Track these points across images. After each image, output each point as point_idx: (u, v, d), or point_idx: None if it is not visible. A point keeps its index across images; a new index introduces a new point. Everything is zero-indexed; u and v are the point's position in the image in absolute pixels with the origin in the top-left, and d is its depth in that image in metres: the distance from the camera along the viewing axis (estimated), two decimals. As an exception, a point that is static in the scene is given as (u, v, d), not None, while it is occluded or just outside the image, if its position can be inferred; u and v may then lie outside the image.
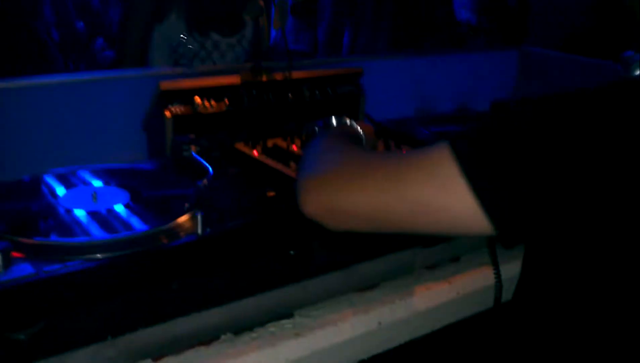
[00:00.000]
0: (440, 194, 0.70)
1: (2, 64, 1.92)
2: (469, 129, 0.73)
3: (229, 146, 1.31)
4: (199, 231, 0.90)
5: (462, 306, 1.19)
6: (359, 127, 1.04)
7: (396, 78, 1.89)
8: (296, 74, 1.48)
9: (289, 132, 1.46)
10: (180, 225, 0.91)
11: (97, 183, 1.05)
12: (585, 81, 1.99)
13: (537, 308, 0.87)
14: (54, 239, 0.84)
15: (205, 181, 0.99)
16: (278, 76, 1.46)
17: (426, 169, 0.72)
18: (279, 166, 1.19)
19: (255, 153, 1.26)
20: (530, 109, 0.73)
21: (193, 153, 1.13)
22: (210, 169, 1.04)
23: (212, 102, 1.37)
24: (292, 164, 1.20)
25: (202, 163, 1.09)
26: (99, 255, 0.82)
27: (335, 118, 1.06)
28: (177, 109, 1.32)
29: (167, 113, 1.31)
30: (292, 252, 1.01)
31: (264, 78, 1.43)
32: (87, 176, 1.08)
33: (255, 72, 1.42)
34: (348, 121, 1.05)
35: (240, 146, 1.30)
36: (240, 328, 0.97)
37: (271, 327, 1.00)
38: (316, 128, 1.07)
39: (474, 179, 0.68)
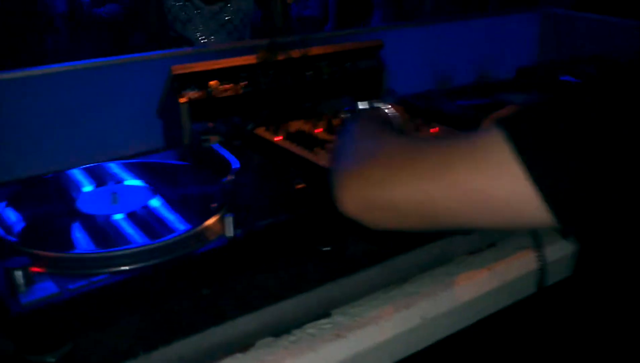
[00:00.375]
0: (495, 183, 0.63)
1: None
2: (523, 110, 0.66)
3: (249, 133, 1.23)
4: (230, 233, 0.84)
5: (504, 294, 1.13)
6: (388, 109, 0.97)
7: (414, 48, 1.81)
8: (314, 50, 1.40)
9: (311, 113, 1.39)
10: (208, 228, 0.85)
11: (118, 178, 0.98)
12: (614, 44, 1.92)
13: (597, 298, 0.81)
14: (78, 251, 0.78)
15: (230, 177, 0.92)
16: (295, 54, 1.38)
17: (478, 156, 0.65)
18: (304, 153, 1.12)
19: (277, 139, 1.19)
20: (596, 86, 0.65)
21: (214, 145, 1.06)
22: (234, 162, 0.97)
23: (228, 85, 1.30)
24: (318, 150, 1.13)
25: (224, 156, 1.02)
26: (124, 267, 0.76)
27: (362, 102, 0.98)
28: (192, 94, 1.25)
29: (182, 99, 1.23)
30: (325, 249, 0.94)
31: (281, 57, 1.35)
32: (103, 172, 1.01)
33: (271, 51, 1.34)
34: (377, 104, 0.97)
35: (262, 132, 1.23)
36: (278, 331, 0.91)
37: (310, 329, 0.94)
38: (343, 116, 0.99)
39: (533, 167, 0.61)
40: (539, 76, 1.71)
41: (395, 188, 0.69)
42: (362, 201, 0.73)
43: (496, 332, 1.14)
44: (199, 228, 0.83)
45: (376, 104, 0.96)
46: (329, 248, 0.95)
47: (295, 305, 0.92)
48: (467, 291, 1.07)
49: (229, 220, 0.83)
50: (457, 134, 0.71)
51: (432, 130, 1.27)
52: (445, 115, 1.41)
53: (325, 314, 0.96)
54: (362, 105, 0.97)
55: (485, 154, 0.64)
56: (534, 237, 1.14)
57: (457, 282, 1.08)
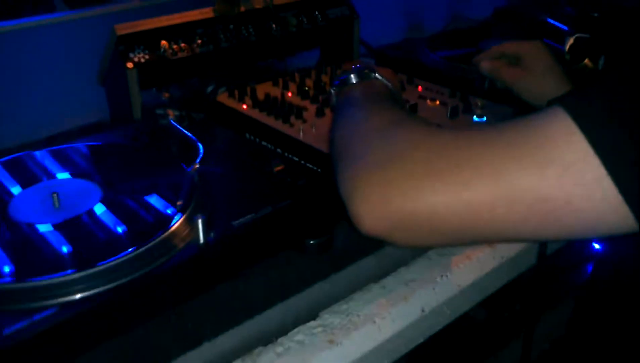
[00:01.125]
0: (565, 185, 0.49)
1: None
2: (592, 87, 0.52)
3: (211, 99, 1.07)
4: (201, 239, 0.69)
5: (508, 269, 1.02)
6: (384, 78, 0.81)
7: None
8: (277, 0, 1.22)
9: (277, 72, 1.23)
10: (174, 234, 0.70)
11: (56, 175, 0.81)
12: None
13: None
14: (8, 281, 0.62)
15: (195, 165, 0.76)
16: (257, 4, 1.20)
17: (540, 151, 0.50)
18: (279, 126, 0.97)
19: (244, 107, 1.04)
20: None
21: (172, 121, 0.89)
22: (199, 146, 0.81)
23: (182, 44, 1.12)
24: (294, 120, 0.98)
25: (186, 135, 0.86)
26: (77, 296, 0.61)
27: (352, 72, 0.82)
28: (140, 57, 1.07)
29: (129, 64, 1.05)
30: (312, 242, 0.81)
31: (242, 8, 1.17)
32: (40, 162, 0.84)
33: (230, 2, 1.16)
34: (370, 73, 0.81)
35: (225, 100, 1.07)
36: (262, 343, 0.78)
37: (298, 335, 0.81)
38: (332, 90, 0.83)
39: (613, 162, 0.48)
40: (517, 17, 1.57)
41: (439, 195, 0.54)
42: (391, 216, 0.57)
43: (502, 307, 1.04)
44: (163, 235, 0.68)
45: (370, 74, 0.80)
46: (316, 241, 0.81)
47: (283, 312, 0.79)
48: (468, 273, 0.96)
49: (200, 223, 0.69)
50: (495, 124, 0.56)
51: (419, 88, 1.12)
52: (429, 69, 1.27)
53: (314, 315, 0.83)
54: (352, 78, 0.81)
55: (552, 150, 0.50)
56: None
57: (458, 264, 0.96)
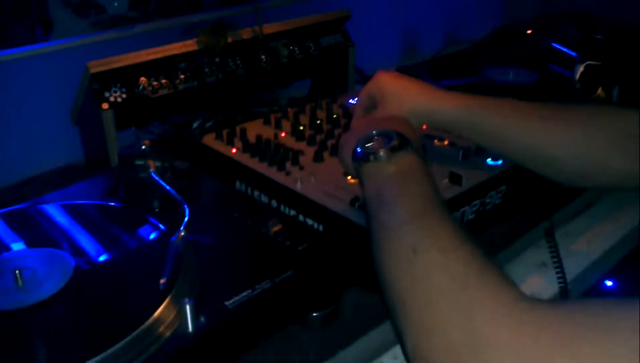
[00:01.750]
0: None
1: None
2: None
3: (196, 142, 0.97)
4: (190, 327, 0.59)
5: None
6: (415, 149, 0.69)
7: (379, 12, 1.55)
8: (268, 28, 1.13)
9: (270, 108, 1.12)
10: (158, 321, 0.59)
11: (15, 245, 0.70)
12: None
13: None
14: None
15: (180, 234, 0.66)
16: (245, 34, 1.10)
17: None
18: (273, 173, 0.87)
19: (234, 151, 0.93)
20: None
21: (153, 174, 0.79)
22: (185, 207, 0.71)
23: (164, 80, 1.01)
24: (289, 166, 0.88)
25: (169, 193, 0.75)
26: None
27: (377, 146, 0.69)
28: (117, 96, 0.97)
29: (104, 105, 0.95)
30: (316, 314, 0.70)
31: (229, 39, 1.07)
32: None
33: (215, 32, 1.06)
34: (397, 145, 0.67)
35: (212, 142, 0.96)
36: None
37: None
38: (355, 165, 0.70)
39: None
40: (518, 39, 1.49)
41: None
42: None
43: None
44: (145, 324, 0.58)
45: (401, 148, 0.67)
46: (321, 313, 0.71)
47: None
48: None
49: (188, 308, 0.58)
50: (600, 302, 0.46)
51: (424, 126, 1.03)
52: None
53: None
54: (383, 155, 0.67)
55: None
56: (555, 252, 0.95)
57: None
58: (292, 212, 0.83)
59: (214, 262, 0.68)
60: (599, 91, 1.19)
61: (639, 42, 1.40)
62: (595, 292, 1.15)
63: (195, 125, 1.08)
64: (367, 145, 0.69)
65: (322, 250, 0.72)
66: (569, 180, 0.84)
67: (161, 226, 0.72)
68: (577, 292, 1.04)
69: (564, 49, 1.31)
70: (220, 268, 0.67)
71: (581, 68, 1.21)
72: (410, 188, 0.63)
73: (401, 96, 0.84)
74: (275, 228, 0.74)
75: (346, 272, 0.75)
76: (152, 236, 0.71)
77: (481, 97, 0.84)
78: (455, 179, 0.86)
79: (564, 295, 0.96)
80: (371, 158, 0.67)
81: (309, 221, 0.81)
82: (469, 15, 1.79)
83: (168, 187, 0.75)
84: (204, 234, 0.71)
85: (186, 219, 0.68)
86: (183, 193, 0.78)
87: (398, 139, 0.67)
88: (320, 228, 0.80)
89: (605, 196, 1.14)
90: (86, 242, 0.71)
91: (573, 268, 1.01)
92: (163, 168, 0.81)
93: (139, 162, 0.81)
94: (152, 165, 0.80)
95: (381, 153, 0.66)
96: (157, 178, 0.78)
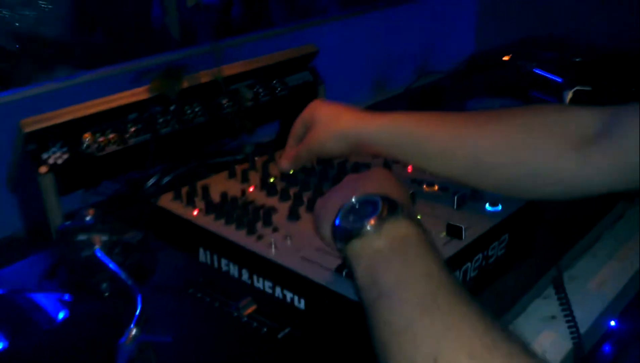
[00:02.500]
0: None
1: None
2: None
3: (151, 206, 0.84)
4: None
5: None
6: (410, 216, 0.58)
7: (348, 45, 1.45)
8: (229, 70, 1.01)
9: (234, 158, 1.01)
10: None
11: None
12: (555, 19, 1.65)
13: None
14: None
15: (132, 333, 0.53)
16: (204, 77, 0.98)
17: None
18: (242, 239, 0.74)
19: (195, 213, 0.81)
20: None
21: (98, 252, 0.66)
22: (138, 295, 0.58)
23: (111, 136, 0.89)
24: (260, 228, 0.76)
25: (118, 276, 0.62)
26: None
27: (362, 214, 0.57)
28: (57, 157, 0.84)
29: (42, 168, 0.82)
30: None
31: (184, 84, 0.95)
32: None
33: (170, 77, 0.94)
34: (386, 214, 0.56)
35: (169, 204, 0.83)
36: None
37: None
38: (338, 246, 0.59)
39: None
40: (493, 66, 1.40)
41: None
42: None
43: None
44: None
45: (391, 214, 0.56)
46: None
47: None
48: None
49: None
50: None
51: (409, 168, 0.92)
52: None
53: None
54: (369, 227, 0.56)
55: None
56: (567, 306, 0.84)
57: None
58: (268, 285, 0.71)
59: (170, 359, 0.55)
60: (592, 118, 1.09)
61: (622, 63, 1.32)
62: (605, 336, 1.06)
63: (149, 183, 0.95)
64: (348, 217, 0.57)
65: (306, 332, 0.60)
66: (511, 190, 0.75)
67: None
68: (591, 341, 0.94)
69: (548, 75, 1.23)
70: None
71: (570, 94, 1.12)
72: (410, 268, 0.51)
73: (330, 119, 0.82)
74: (249, 310, 0.62)
75: (337, 355, 0.62)
76: (60, 315, 0.58)
77: (410, 112, 0.78)
78: (454, 232, 0.74)
79: (578, 348, 0.85)
80: (355, 233, 0.55)
81: (288, 296, 0.68)
82: (439, 45, 1.71)
83: (116, 268, 0.62)
84: (162, 327, 0.58)
85: (137, 312, 0.55)
86: (135, 271, 0.65)
87: (385, 205, 0.56)
88: (302, 303, 0.67)
89: (607, 232, 1.05)
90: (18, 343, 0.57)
91: (585, 317, 0.91)
92: (111, 243, 0.68)
93: (81, 237, 0.68)
94: (98, 241, 0.67)
95: (367, 227, 0.54)
96: (103, 256, 0.65)
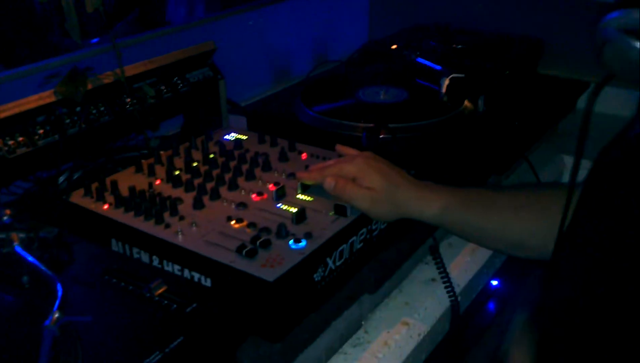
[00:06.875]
0: None
1: None
2: None
3: (63, 202, 0.90)
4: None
5: (427, 344, 0.94)
6: None
7: (245, 39, 1.53)
8: (130, 70, 1.07)
9: (140, 153, 1.08)
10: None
11: None
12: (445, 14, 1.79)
13: None
14: None
15: (55, 316, 0.60)
16: (107, 78, 1.04)
17: None
18: (150, 228, 0.82)
19: (105, 207, 0.87)
20: None
21: (18, 249, 0.72)
22: (58, 285, 0.64)
23: (20, 138, 0.94)
24: (168, 217, 0.84)
25: (38, 268, 0.69)
26: None
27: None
28: (-32, 161, 0.88)
29: (-46, 173, 0.86)
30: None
31: (89, 86, 1.01)
32: None
33: (74, 80, 0.99)
34: None
35: (80, 200, 0.90)
36: None
37: None
38: None
39: None
40: (384, 56, 1.52)
41: None
42: None
43: None
44: None
45: None
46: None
47: None
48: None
49: (70, 402, 0.53)
50: None
51: (303, 156, 1.02)
52: (308, 127, 1.17)
53: None
54: None
55: None
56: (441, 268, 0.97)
57: (375, 354, 0.86)
58: (177, 268, 0.79)
59: (96, 341, 0.62)
60: (466, 103, 1.23)
61: (498, 48, 1.47)
62: (484, 294, 1.19)
63: (61, 179, 1.01)
64: None
65: (211, 307, 0.69)
66: (531, 256, 0.91)
67: None
68: (468, 300, 1.08)
69: (429, 63, 1.35)
70: (105, 346, 0.62)
71: (447, 81, 1.25)
72: None
73: (387, 191, 0.85)
74: (160, 290, 0.70)
75: (240, 326, 0.72)
76: None
77: (460, 193, 0.89)
78: (340, 210, 0.85)
79: (455, 308, 0.98)
80: None
81: (196, 276, 0.77)
82: (335, 35, 1.81)
83: (36, 261, 0.69)
84: (82, 310, 0.65)
85: (59, 297, 0.63)
86: (53, 264, 0.72)
87: None
88: (209, 282, 0.76)
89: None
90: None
91: (462, 278, 1.04)
92: (29, 239, 0.74)
93: (0, 236, 0.73)
94: (16, 238, 0.73)
95: None
96: (22, 252, 0.71)
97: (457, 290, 0.99)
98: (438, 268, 0.97)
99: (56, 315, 0.61)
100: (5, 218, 0.75)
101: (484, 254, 1.09)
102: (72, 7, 1.01)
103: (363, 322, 0.89)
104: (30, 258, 0.70)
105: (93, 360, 0.60)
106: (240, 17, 1.50)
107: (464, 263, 1.06)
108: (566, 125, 1.44)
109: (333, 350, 0.84)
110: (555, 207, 0.80)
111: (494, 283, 1.25)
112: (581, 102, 1.46)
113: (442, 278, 0.97)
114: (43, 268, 0.68)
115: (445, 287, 0.97)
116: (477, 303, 1.16)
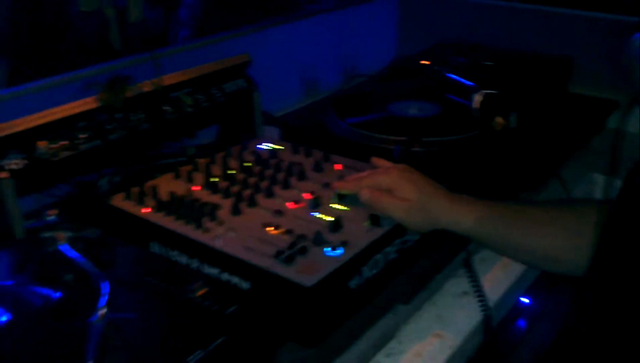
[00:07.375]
0: None
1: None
2: None
3: (104, 205, 0.92)
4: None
5: (459, 356, 0.94)
6: None
7: (278, 52, 1.55)
8: (168, 79, 1.10)
9: (176, 161, 1.09)
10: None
11: None
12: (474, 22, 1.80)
13: None
14: None
15: (102, 312, 0.61)
16: (146, 87, 1.06)
17: None
18: (190, 232, 0.84)
19: (146, 210, 0.89)
20: None
21: (64, 247, 0.74)
22: (102, 280, 0.66)
23: (63, 142, 0.96)
24: (207, 222, 0.85)
25: (84, 267, 0.70)
26: None
27: None
28: (14, 163, 0.90)
29: (2, 174, 0.88)
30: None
31: (128, 93, 1.03)
32: None
33: (114, 88, 1.02)
34: None
35: (121, 203, 0.92)
36: None
37: None
38: None
39: None
40: (415, 72, 1.53)
41: None
42: None
43: None
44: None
45: None
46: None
47: None
48: (422, 375, 0.87)
49: (118, 395, 0.54)
50: None
51: (336, 166, 1.03)
52: (340, 138, 1.19)
53: None
54: None
55: None
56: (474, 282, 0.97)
57: (410, 367, 0.86)
58: (215, 271, 0.80)
59: (140, 338, 0.64)
60: (498, 119, 1.24)
61: (528, 66, 1.47)
62: (514, 311, 1.19)
63: (101, 183, 1.03)
64: None
65: (251, 309, 0.70)
66: (564, 271, 0.91)
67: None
68: (499, 316, 1.07)
69: (460, 79, 1.36)
70: (148, 343, 0.64)
71: (479, 97, 1.25)
72: None
73: (422, 201, 0.86)
74: (201, 292, 0.71)
75: (278, 329, 0.73)
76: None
77: (494, 206, 0.90)
78: (375, 220, 0.86)
79: (487, 321, 0.98)
80: None
81: (234, 280, 0.78)
82: (363, 50, 1.83)
83: (83, 260, 0.71)
84: (125, 308, 0.67)
85: (106, 294, 0.64)
86: (96, 264, 0.74)
87: None
88: (247, 285, 0.77)
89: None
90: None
91: (493, 293, 1.04)
92: (74, 239, 0.76)
93: (46, 235, 0.75)
94: (62, 237, 0.75)
95: None
96: (69, 250, 0.73)
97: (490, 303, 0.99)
98: (471, 280, 0.97)
99: (102, 312, 0.62)
100: (50, 218, 0.77)
101: (516, 270, 1.09)
102: (114, 19, 1.04)
103: (396, 332, 0.90)
104: (77, 257, 0.72)
105: (137, 357, 0.62)
106: (275, 29, 1.53)
107: (496, 279, 1.06)
108: (597, 143, 1.44)
109: (366, 359, 0.85)
110: (588, 223, 0.81)
111: (525, 300, 1.24)
112: (612, 121, 1.46)
113: (475, 290, 0.97)
114: (89, 267, 0.70)
115: (479, 299, 0.97)
116: (507, 320, 1.16)
